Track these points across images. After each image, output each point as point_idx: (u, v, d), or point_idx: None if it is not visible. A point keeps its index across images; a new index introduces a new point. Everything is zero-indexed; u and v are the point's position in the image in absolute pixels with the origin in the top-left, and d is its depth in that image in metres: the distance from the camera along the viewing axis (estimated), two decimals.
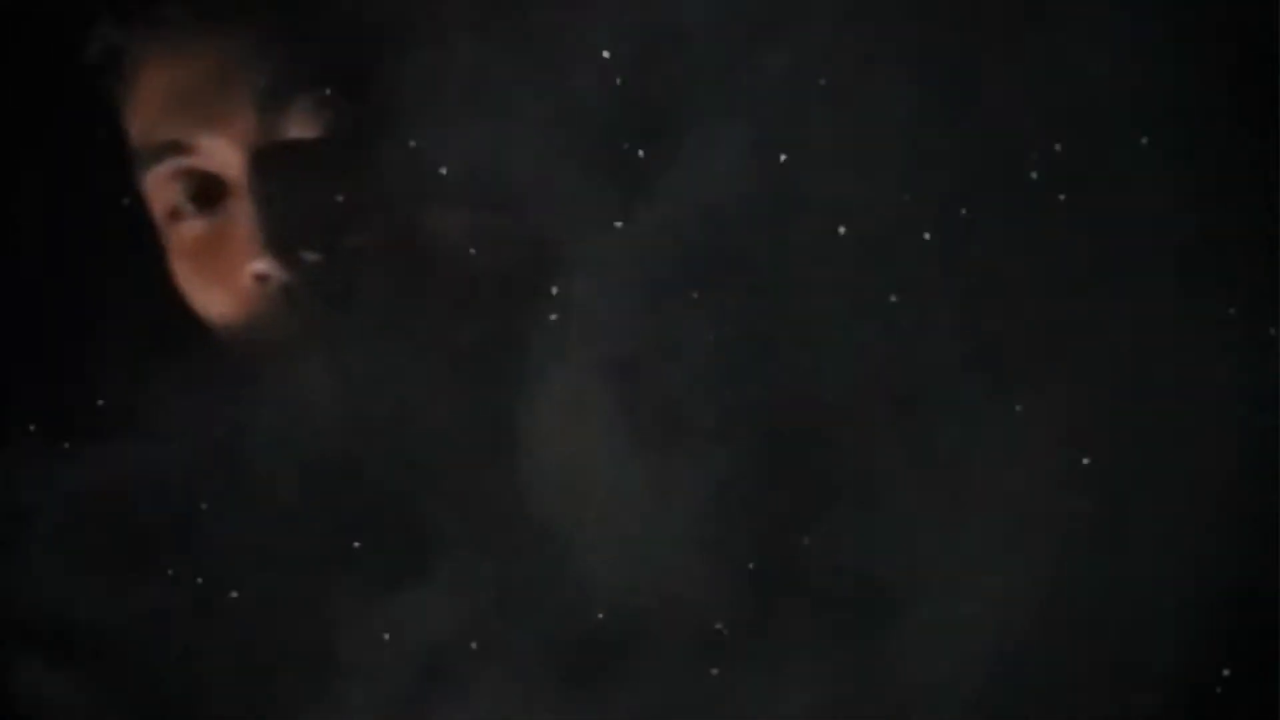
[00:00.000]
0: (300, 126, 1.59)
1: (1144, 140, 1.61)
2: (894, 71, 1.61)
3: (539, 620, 1.56)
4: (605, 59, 1.51)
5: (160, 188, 1.66)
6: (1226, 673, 1.59)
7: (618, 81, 1.53)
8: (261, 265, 1.59)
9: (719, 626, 1.56)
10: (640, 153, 1.56)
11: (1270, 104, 1.61)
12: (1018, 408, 1.61)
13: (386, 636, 1.56)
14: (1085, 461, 1.61)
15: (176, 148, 1.63)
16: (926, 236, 1.62)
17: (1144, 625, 1.60)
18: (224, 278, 1.63)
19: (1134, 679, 1.60)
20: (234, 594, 1.58)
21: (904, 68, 1.63)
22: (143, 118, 1.67)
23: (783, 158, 1.58)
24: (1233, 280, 1.62)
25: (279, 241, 1.57)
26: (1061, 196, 1.62)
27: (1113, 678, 1.61)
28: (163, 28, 1.61)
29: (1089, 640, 1.61)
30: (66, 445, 1.60)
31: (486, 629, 1.56)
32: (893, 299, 1.62)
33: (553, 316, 1.55)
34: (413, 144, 1.54)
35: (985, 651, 1.60)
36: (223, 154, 1.61)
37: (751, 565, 1.57)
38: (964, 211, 1.62)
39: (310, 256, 1.58)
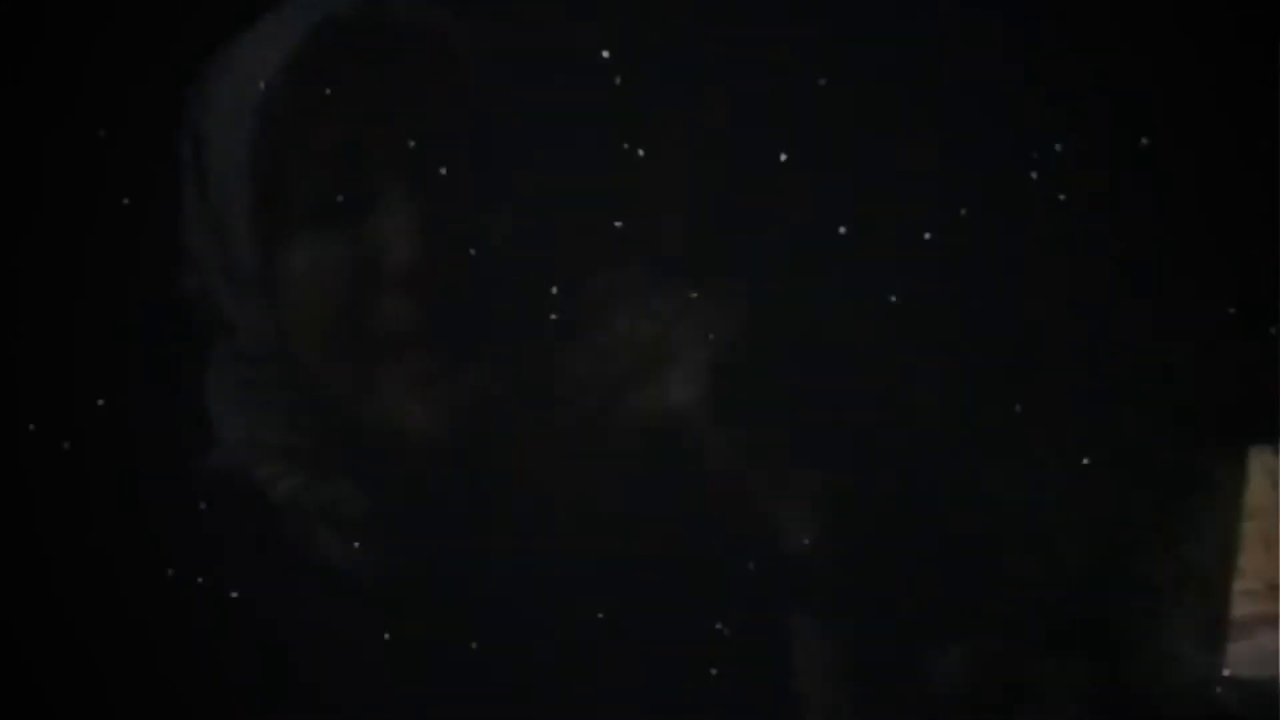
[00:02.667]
0: None
1: (1144, 140, 1.61)
2: (892, 72, 1.62)
3: None
4: None
5: None
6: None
7: None
8: None
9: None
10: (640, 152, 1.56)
11: (1270, 104, 1.61)
12: (1017, 408, 1.61)
13: None
14: (1085, 462, 1.61)
15: None
16: (926, 236, 1.62)
17: (1144, 625, 1.61)
18: None
19: (1134, 678, 1.61)
20: None
21: (904, 68, 1.63)
22: None
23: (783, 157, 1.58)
24: (1233, 280, 1.62)
25: None
26: (1062, 196, 1.62)
27: (1112, 677, 1.61)
28: None
29: (1089, 639, 1.61)
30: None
31: None
32: (893, 299, 1.62)
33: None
34: None
35: (982, 651, 1.60)
36: None
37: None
38: (964, 212, 1.62)
39: None
